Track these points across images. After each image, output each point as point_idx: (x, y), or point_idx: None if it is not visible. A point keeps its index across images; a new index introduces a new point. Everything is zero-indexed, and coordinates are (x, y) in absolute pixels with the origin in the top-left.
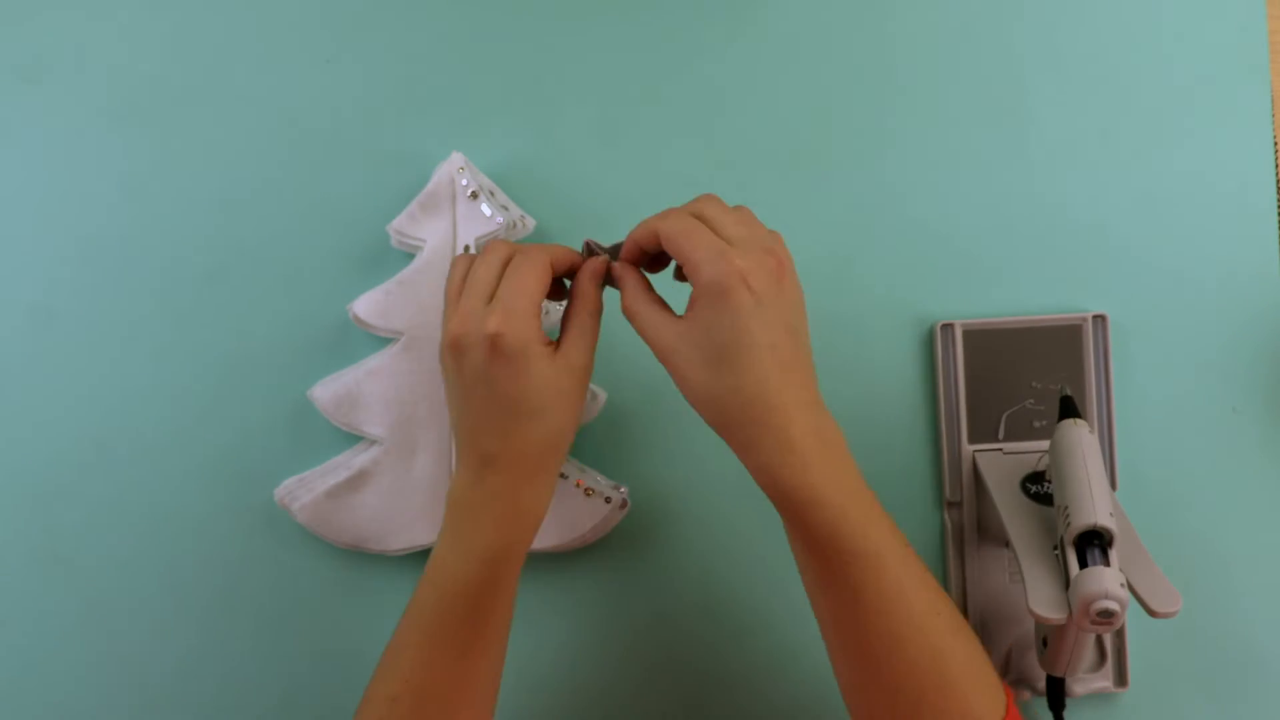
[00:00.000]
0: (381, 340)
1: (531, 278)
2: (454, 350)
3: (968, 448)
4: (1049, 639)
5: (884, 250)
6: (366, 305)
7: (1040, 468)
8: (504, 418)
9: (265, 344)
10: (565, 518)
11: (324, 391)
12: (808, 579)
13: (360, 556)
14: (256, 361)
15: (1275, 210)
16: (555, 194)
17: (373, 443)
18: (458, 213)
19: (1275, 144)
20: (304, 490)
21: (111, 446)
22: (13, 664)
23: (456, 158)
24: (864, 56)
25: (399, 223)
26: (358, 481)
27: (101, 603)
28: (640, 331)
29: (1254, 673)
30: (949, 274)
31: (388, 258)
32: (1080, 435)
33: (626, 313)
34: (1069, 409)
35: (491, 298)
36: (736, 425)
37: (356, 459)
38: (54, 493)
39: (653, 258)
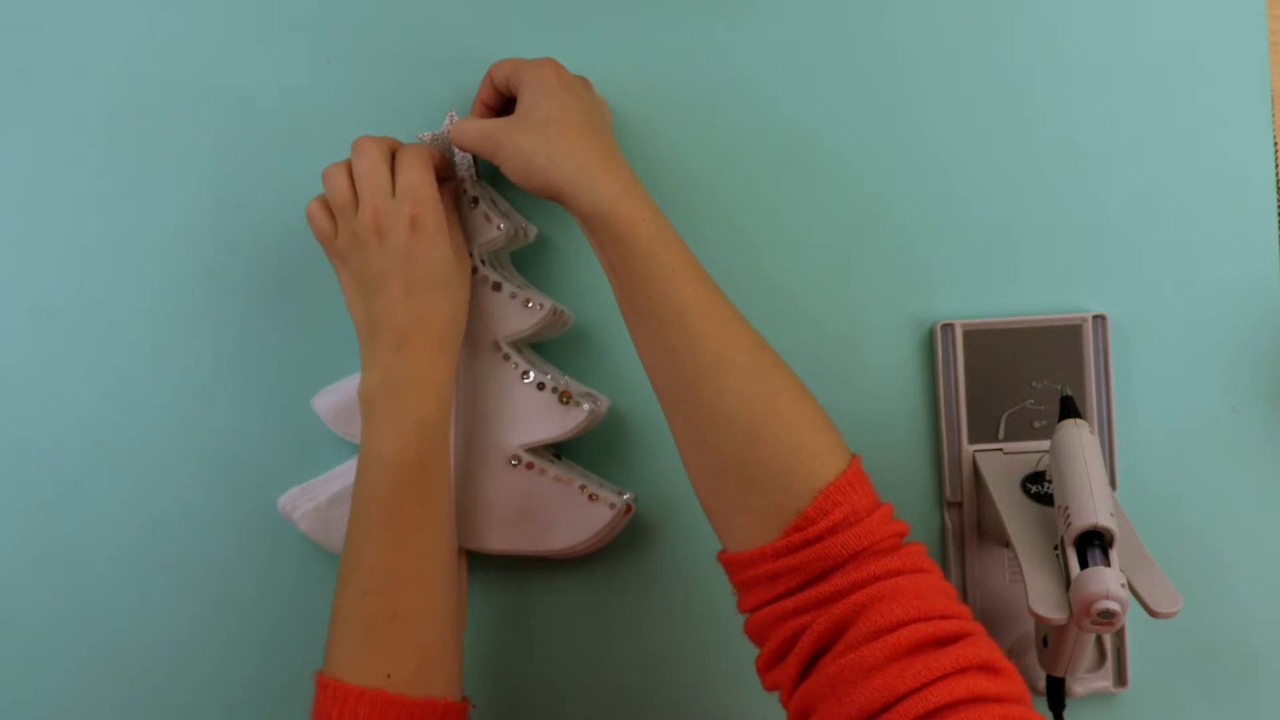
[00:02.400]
0: None
1: (427, 169)
2: (377, 233)
3: (968, 448)
4: (1049, 639)
5: (884, 250)
6: None
7: (1040, 468)
8: (421, 293)
9: (267, 348)
10: (570, 523)
11: (325, 401)
12: (633, 323)
13: None
14: (259, 366)
15: (1275, 210)
16: None
17: None
18: (464, 222)
19: (1275, 144)
20: (306, 499)
21: (112, 448)
22: (13, 664)
23: (458, 163)
24: (864, 56)
25: None
26: None
27: (101, 604)
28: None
29: (1254, 673)
30: (949, 274)
31: None
32: (1080, 435)
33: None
34: (1069, 409)
35: (391, 192)
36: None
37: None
38: (55, 493)
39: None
